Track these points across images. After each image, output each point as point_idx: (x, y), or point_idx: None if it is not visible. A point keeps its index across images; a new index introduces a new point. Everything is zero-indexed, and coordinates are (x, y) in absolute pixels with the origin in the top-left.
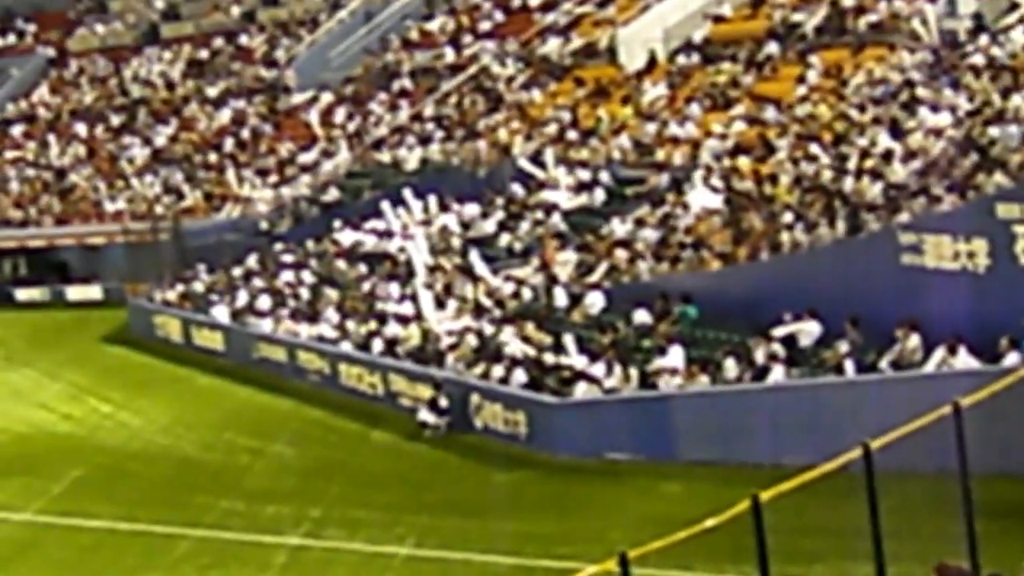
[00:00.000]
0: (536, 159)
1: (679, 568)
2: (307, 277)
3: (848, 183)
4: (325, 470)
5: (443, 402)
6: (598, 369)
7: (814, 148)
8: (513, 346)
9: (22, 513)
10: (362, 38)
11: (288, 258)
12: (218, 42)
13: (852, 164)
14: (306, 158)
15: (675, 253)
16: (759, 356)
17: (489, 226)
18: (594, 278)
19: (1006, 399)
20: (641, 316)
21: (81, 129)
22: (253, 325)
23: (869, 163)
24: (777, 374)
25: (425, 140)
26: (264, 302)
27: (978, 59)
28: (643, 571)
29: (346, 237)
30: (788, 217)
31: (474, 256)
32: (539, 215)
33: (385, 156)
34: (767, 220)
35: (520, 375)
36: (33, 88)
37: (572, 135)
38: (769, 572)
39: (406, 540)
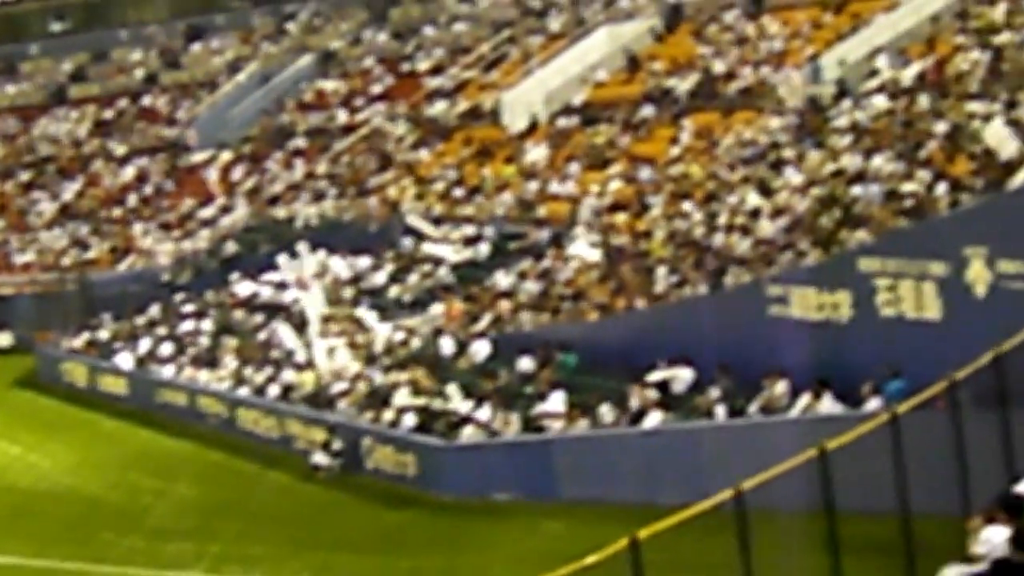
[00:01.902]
0: (424, 217)
1: None
2: (207, 326)
3: (719, 238)
4: (224, 509)
5: (336, 445)
6: (483, 414)
7: (686, 205)
8: (400, 398)
9: None
10: (259, 100)
11: (189, 308)
12: (123, 103)
13: (722, 220)
14: (205, 213)
15: (556, 304)
16: (634, 401)
17: (380, 278)
18: (479, 327)
19: (869, 442)
20: (524, 364)
21: None
22: (155, 371)
23: (738, 220)
24: (652, 418)
25: (319, 196)
26: (166, 349)
27: (842, 122)
28: None
29: (243, 288)
30: (662, 271)
31: (365, 307)
32: (427, 268)
33: (281, 212)
34: (642, 273)
35: (409, 419)
36: None
37: (458, 192)
38: None
39: (301, 575)
